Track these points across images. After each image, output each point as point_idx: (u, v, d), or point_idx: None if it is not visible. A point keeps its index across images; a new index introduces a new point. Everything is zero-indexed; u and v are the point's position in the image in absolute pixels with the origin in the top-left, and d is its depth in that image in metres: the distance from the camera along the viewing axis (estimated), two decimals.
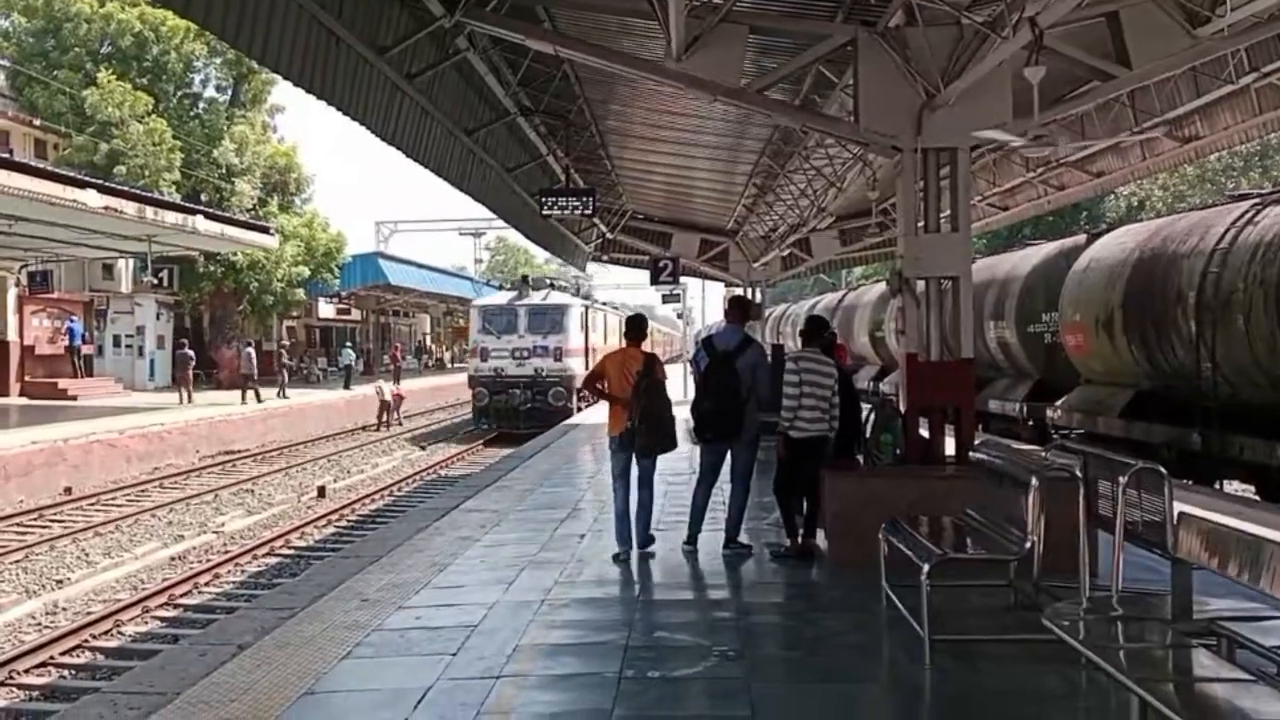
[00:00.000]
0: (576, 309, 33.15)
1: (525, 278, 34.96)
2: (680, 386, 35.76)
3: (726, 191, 24.40)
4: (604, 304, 43.42)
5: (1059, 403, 18.01)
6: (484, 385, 31.80)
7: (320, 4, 9.74)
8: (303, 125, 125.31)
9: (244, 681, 5.83)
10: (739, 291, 30.29)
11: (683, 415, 9.28)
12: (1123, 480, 5.66)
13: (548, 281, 37.31)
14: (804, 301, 51.41)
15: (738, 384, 8.98)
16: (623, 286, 79.39)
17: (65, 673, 9.79)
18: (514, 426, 30.46)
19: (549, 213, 18.15)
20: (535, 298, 33.13)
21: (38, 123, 38.01)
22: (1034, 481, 6.05)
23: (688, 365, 33.29)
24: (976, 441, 9.11)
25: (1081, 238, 20.04)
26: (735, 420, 9.04)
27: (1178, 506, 5.25)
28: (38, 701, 9.02)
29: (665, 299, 39.23)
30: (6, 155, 23.21)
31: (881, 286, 30.41)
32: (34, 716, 8.57)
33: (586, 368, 26.36)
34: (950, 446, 9.73)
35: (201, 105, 43.37)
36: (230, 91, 44.02)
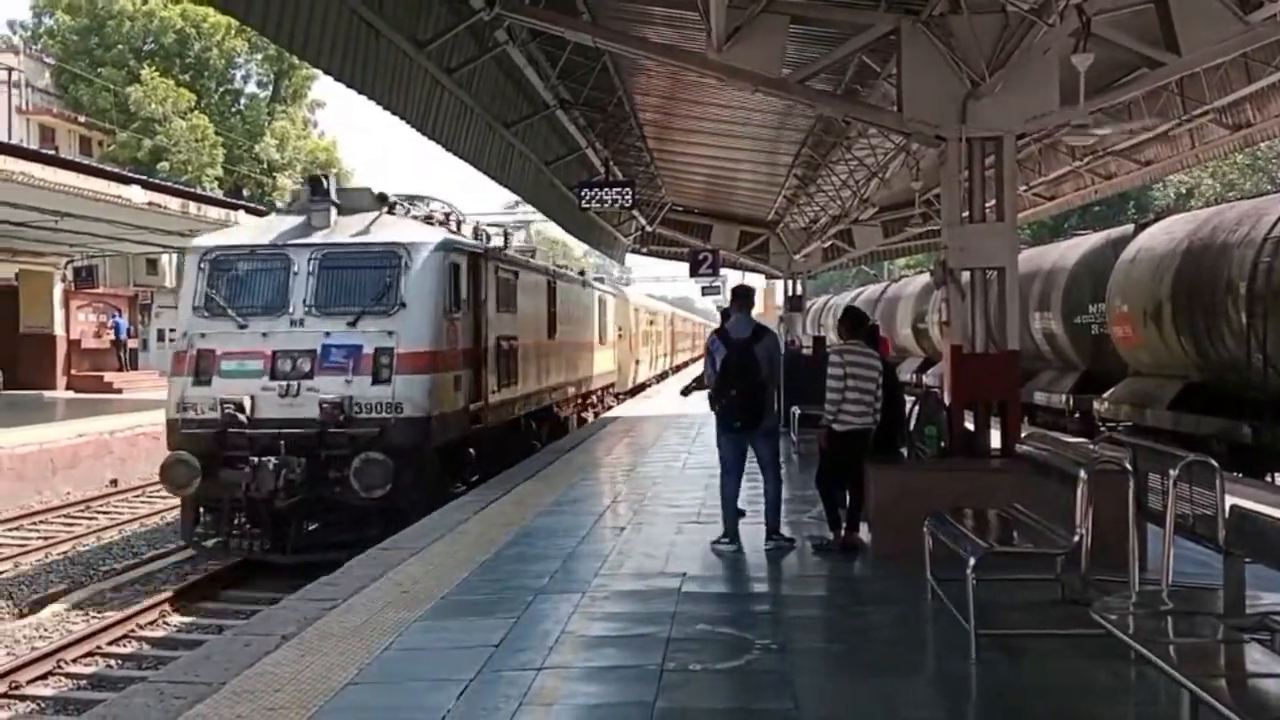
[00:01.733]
0: (451, 260, 13.70)
1: (318, 179, 14.19)
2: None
3: (767, 183, 24.26)
4: (604, 283, 31.83)
5: (1106, 395, 17.76)
6: (196, 447, 12.56)
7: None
8: (345, 119, 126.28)
9: (288, 672, 5.87)
10: (784, 282, 30.21)
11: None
12: (1173, 473, 5.58)
13: (390, 200, 14.46)
14: (846, 293, 51.10)
15: (759, 371, 8.99)
16: (662, 279, 79.25)
17: (112, 662, 9.92)
18: (276, 547, 12.48)
19: (588, 205, 18.12)
20: (344, 225, 13.59)
21: (82, 119, 38.62)
22: (1083, 474, 5.96)
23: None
24: (1023, 434, 9.00)
25: (1129, 227, 19.76)
26: (761, 408, 9.05)
27: (1229, 500, 5.15)
28: (85, 691, 9.14)
29: (705, 291, 39.13)
30: (52, 152, 23.54)
31: (924, 278, 30.15)
32: (81, 705, 8.69)
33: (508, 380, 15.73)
34: (995, 439, 9.61)
35: (243, 101, 43.89)
36: (271, 87, 44.47)
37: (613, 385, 30.55)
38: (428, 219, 14.80)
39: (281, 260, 13.05)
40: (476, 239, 15.89)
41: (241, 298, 13.03)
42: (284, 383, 12.31)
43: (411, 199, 15.69)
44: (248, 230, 15.09)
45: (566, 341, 21.88)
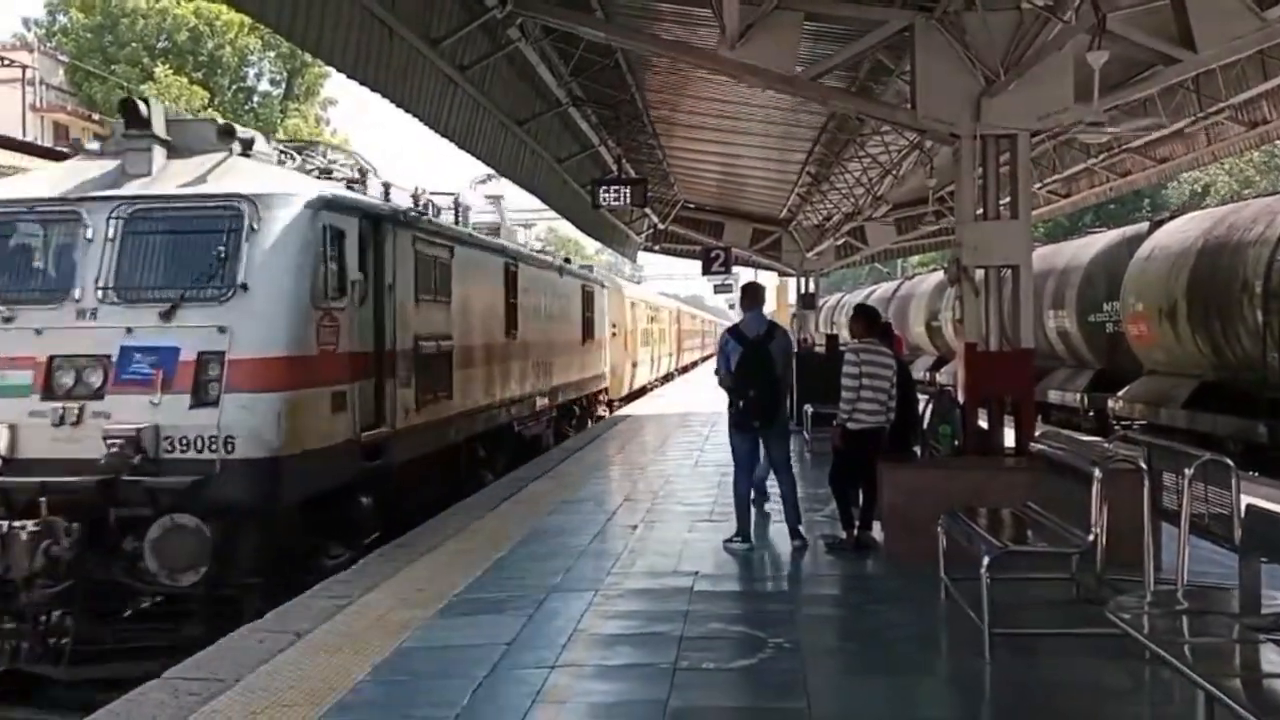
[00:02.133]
0: (328, 223, 9.51)
1: (132, 104, 9.58)
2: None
3: (780, 180, 24.20)
4: (594, 272, 27.94)
5: (1121, 393, 17.69)
6: None
7: None
8: (357, 117, 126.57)
9: (302, 668, 5.89)
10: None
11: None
12: (1188, 472, 5.54)
13: (246, 138, 10.01)
14: (859, 291, 50.98)
15: (775, 369, 8.98)
16: (675, 277, 79.01)
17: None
18: (46, 655, 8.17)
19: (602, 203, 18.11)
20: (174, 172, 9.41)
21: (96, 117, 38.79)
22: (1097, 473, 5.94)
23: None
24: (1037, 433, 8.97)
25: (1144, 225, 19.66)
26: (778, 407, 9.05)
27: (1245, 499, 5.13)
28: (98, 686, 9.15)
29: (717, 289, 39.06)
30: (67, 149, 23.56)
31: (937, 276, 30.06)
32: (95, 701, 8.68)
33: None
34: (1010, 438, 9.58)
35: (256, 99, 44.03)
36: (284, 85, 44.60)
37: (604, 392, 26.98)
38: (324, 173, 11.14)
39: (70, 222, 9.04)
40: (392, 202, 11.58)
41: (7, 277, 9.03)
42: (60, 405, 8.39)
43: (304, 146, 11.97)
44: (38, 181, 9.94)
45: (535, 341, 17.65)
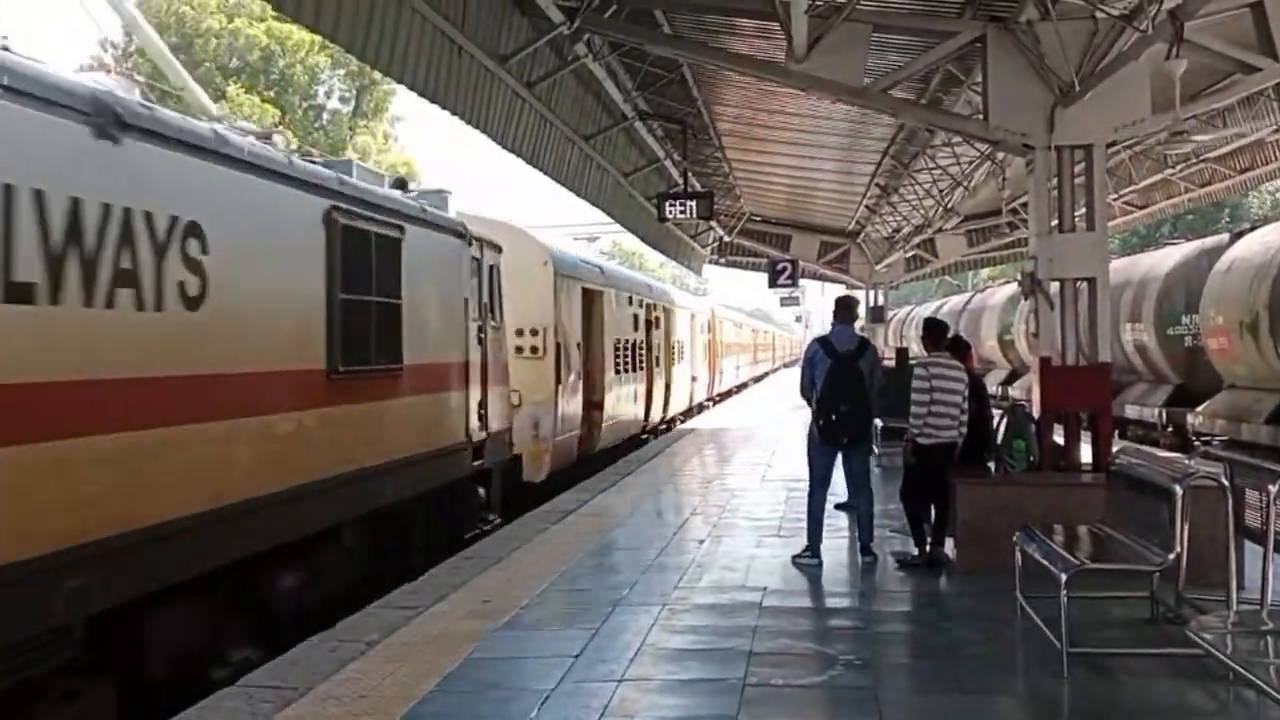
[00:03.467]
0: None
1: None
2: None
3: (848, 192, 24.07)
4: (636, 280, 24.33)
5: (1200, 408, 17.23)
6: None
7: (444, 15, 9.92)
8: (424, 133, 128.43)
9: (373, 678, 5.94)
10: (849, 292, 29.88)
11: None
12: (1272, 489, 5.44)
13: None
14: (928, 304, 50.39)
15: (865, 385, 8.88)
16: (743, 286, 78.61)
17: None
18: None
19: (669, 217, 18.15)
20: None
21: None
22: (1178, 490, 5.80)
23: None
24: (1115, 449, 8.78)
25: (1224, 236, 19.16)
26: (868, 424, 8.94)
27: None
28: (174, 694, 9.33)
29: (784, 302, 38.82)
30: None
31: (1010, 288, 29.61)
32: (170, 709, 8.85)
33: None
34: (1086, 453, 9.39)
35: (325, 116, 44.81)
36: (353, 102, 45.38)
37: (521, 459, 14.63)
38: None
39: None
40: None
41: None
42: None
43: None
44: None
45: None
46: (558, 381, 15.59)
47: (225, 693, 5.79)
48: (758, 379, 55.29)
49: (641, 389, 22.37)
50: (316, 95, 44.77)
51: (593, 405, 18.10)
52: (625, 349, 20.52)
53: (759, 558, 9.24)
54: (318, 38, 34.98)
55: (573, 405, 16.62)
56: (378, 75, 35.21)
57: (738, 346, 44.60)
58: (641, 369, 22.37)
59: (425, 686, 5.78)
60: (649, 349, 23.27)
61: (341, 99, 45.85)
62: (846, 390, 8.81)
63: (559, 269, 16.15)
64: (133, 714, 6.09)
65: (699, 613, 7.41)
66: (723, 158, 21.39)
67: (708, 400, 34.18)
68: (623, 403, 20.45)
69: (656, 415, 24.26)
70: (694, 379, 30.27)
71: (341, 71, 43.97)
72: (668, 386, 25.25)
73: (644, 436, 22.84)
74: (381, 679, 5.91)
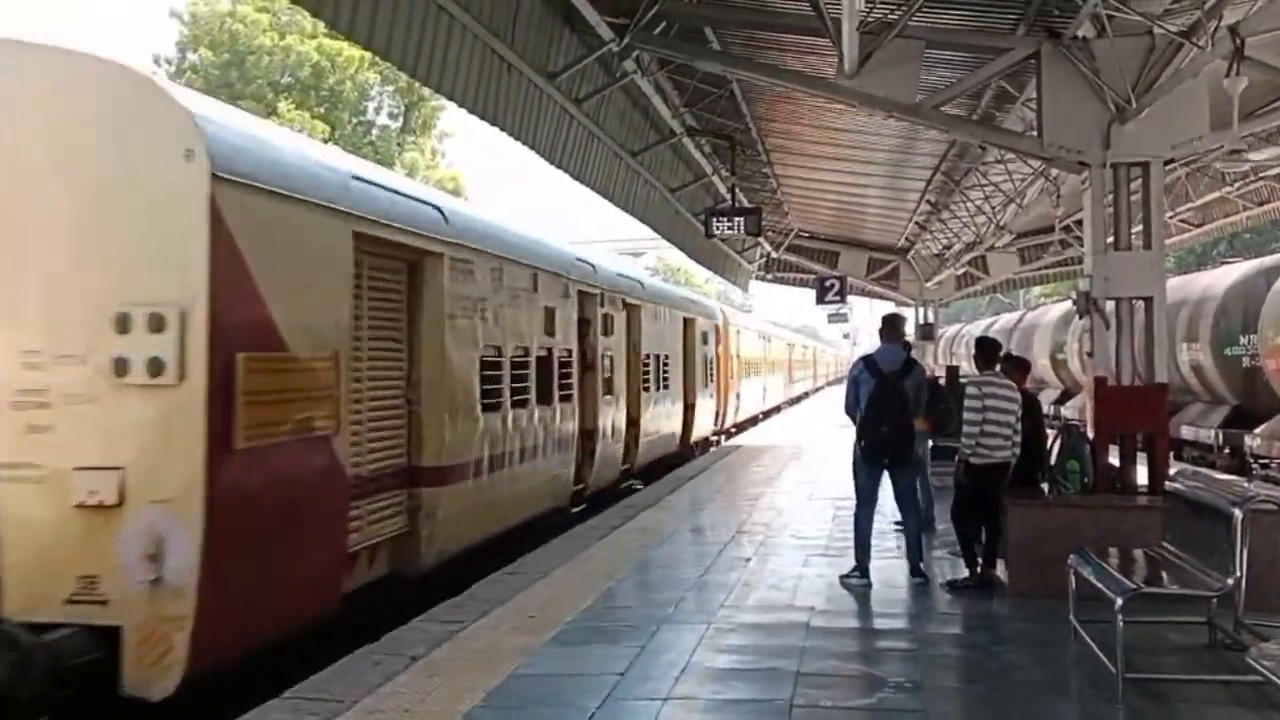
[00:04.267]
0: None
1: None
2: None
3: (897, 208, 23.91)
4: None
5: (1259, 430, 16.87)
6: None
7: (493, 32, 9.98)
8: (471, 147, 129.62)
9: (417, 692, 5.93)
10: (904, 310, 29.64)
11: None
12: None
13: None
14: (979, 321, 49.86)
15: (909, 405, 8.77)
16: (790, 302, 78.23)
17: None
18: None
19: (716, 233, 18.11)
20: None
21: None
22: (1237, 513, 5.68)
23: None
24: (1172, 470, 8.60)
25: None
26: (911, 444, 8.85)
27: None
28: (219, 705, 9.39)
29: (831, 319, 38.50)
30: None
31: (1063, 306, 29.21)
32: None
33: None
34: (1142, 476, 9.20)
35: (375, 132, 45.30)
36: (401, 118, 45.85)
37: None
38: None
39: None
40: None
41: None
42: None
43: None
44: None
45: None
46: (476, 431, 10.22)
47: (271, 705, 5.81)
48: (794, 401, 48.29)
49: (641, 426, 17.63)
50: (366, 111, 45.26)
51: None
52: (623, 387, 16.61)
53: (806, 577, 9.15)
54: (368, 54, 35.51)
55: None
56: (426, 91, 35.61)
57: (769, 364, 38.38)
58: (647, 409, 18.01)
59: (469, 702, 5.76)
60: (668, 372, 19.73)
61: (390, 115, 46.35)
62: (889, 410, 8.72)
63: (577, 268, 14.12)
64: None
65: (745, 632, 7.34)
66: (771, 173, 21.33)
67: (725, 427, 27.45)
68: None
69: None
70: (725, 398, 24.82)
71: (391, 88, 44.44)
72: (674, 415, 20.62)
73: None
74: (426, 694, 5.91)
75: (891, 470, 9.00)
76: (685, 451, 22.02)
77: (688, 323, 21.97)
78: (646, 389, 18.13)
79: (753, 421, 33.25)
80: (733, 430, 28.72)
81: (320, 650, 6.93)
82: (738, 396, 27.86)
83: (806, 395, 55.79)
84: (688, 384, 21.98)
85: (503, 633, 7.23)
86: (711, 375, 24.57)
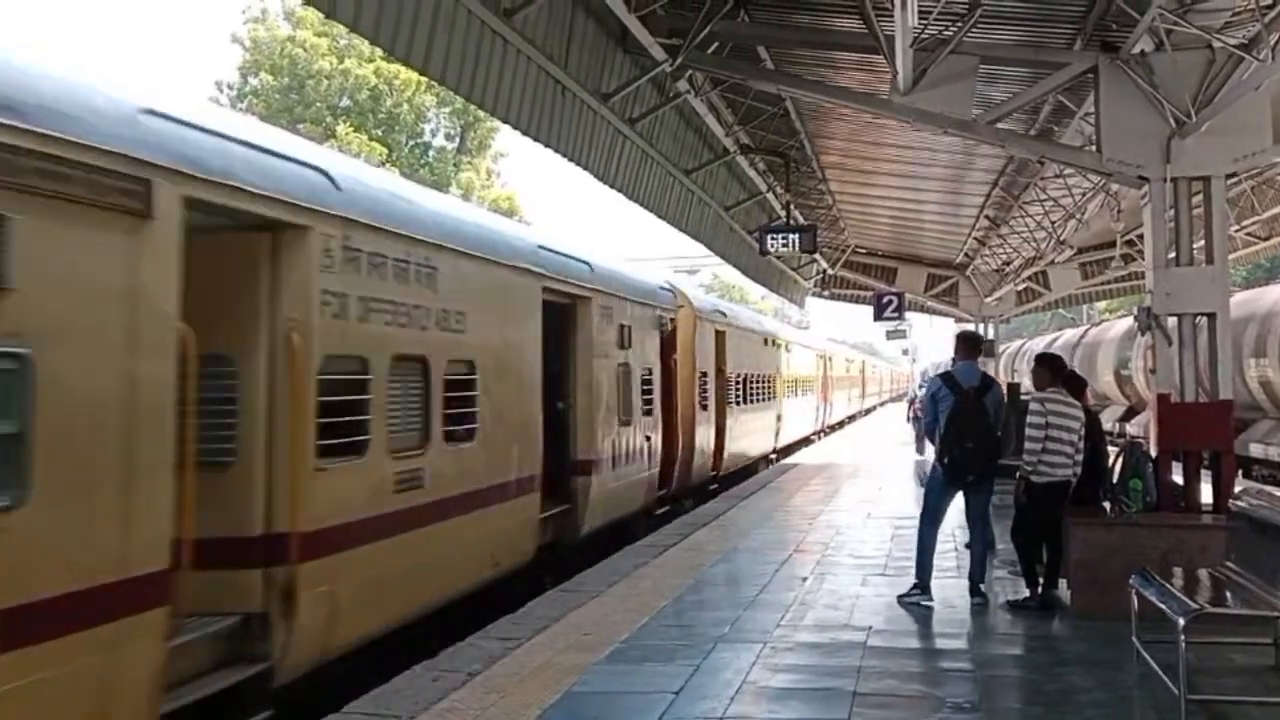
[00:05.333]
0: None
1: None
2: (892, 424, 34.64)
3: (956, 224, 23.70)
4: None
5: None
6: None
7: (547, 55, 10.11)
8: (525, 168, 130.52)
9: (474, 709, 5.99)
10: (969, 327, 29.27)
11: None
12: None
13: None
14: (1041, 338, 49.13)
15: (990, 422, 8.74)
16: (849, 319, 77.50)
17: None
18: None
19: (770, 250, 18.10)
20: None
21: None
22: None
23: (918, 403, 31.12)
24: (1237, 489, 8.43)
25: None
26: (995, 460, 8.77)
27: None
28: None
29: (889, 335, 38.23)
30: None
31: (1126, 321, 28.73)
32: None
33: None
34: (1207, 494, 9.03)
35: (431, 154, 45.86)
36: (458, 140, 46.40)
37: None
38: None
39: None
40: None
41: None
42: None
43: None
44: None
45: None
46: None
47: (330, 719, 5.89)
48: (835, 427, 41.24)
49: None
50: (423, 133, 45.85)
51: None
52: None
53: (863, 597, 9.09)
54: (424, 78, 36.08)
55: None
56: (482, 113, 36.03)
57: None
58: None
59: (526, 718, 5.80)
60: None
61: (447, 136, 46.92)
62: (972, 427, 8.66)
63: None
64: None
65: (802, 651, 7.31)
66: (826, 190, 21.27)
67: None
68: None
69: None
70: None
71: (447, 109, 44.99)
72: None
73: None
74: (482, 710, 5.96)
75: (970, 488, 8.94)
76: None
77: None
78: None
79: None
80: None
81: (377, 668, 7.04)
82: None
83: (854, 418, 51.88)
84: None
85: (559, 650, 7.27)
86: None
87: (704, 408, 18.14)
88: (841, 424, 43.95)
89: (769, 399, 25.29)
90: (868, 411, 58.96)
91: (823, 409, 37.02)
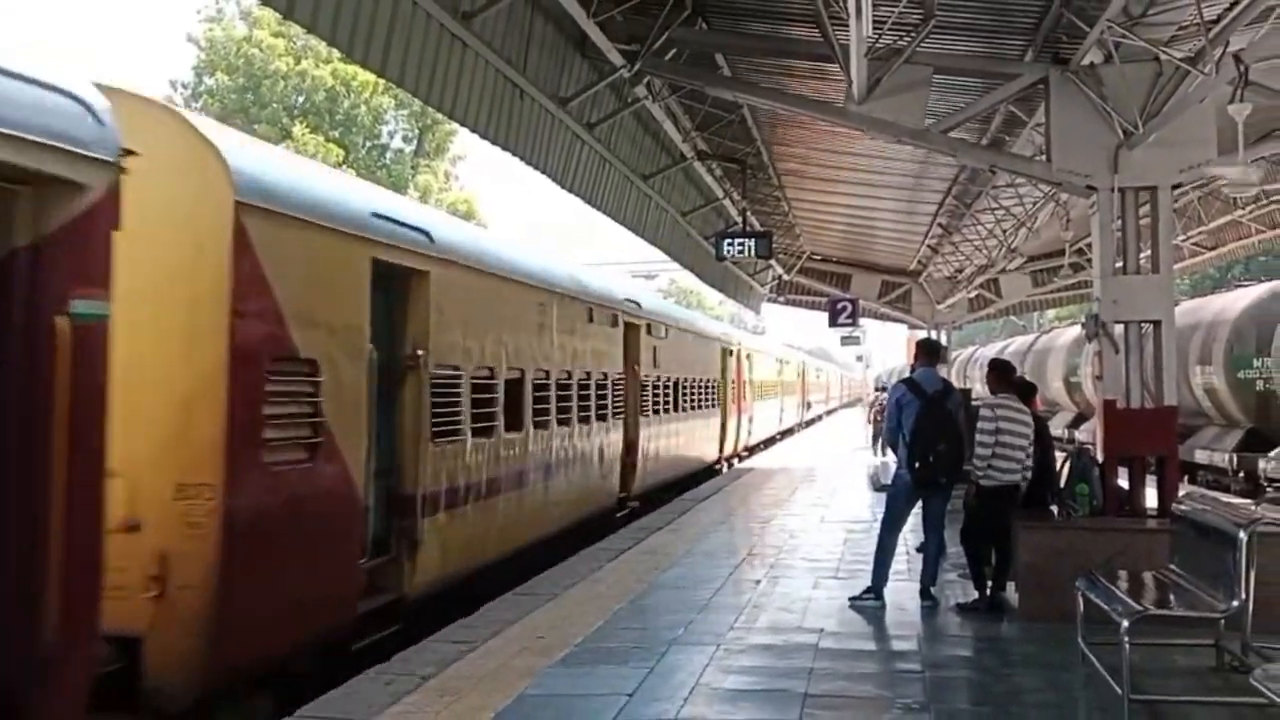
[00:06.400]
0: None
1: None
2: (850, 430, 34.90)
3: (909, 231, 23.96)
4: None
5: (1273, 454, 16.83)
6: None
7: (506, 59, 10.11)
8: (480, 165, 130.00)
9: (428, 712, 5.97)
10: (923, 333, 29.55)
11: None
12: None
13: None
14: (992, 345, 49.75)
15: (957, 425, 8.89)
16: (803, 325, 77.67)
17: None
18: None
19: (727, 255, 18.19)
20: None
21: None
22: (1242, 536, 5.70)
23: (874, 408, 31.20)
24: (1181, 494, 8.61)
25: None
26: (962, 463, 8.85)
27: None
28: None
29: (844, 341, 38.45)
30: None
31: (1076, 329, 29.18)
32: None
33: None
34: (1152, 498, 9.21)
35: (389, 155, 45.61)
36: (415, 142, 46.19)
37: None
38: None
39: None
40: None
41: None
42: None
43: None
44: None
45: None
46: None
47: None
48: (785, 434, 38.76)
49: None
50: (380, 135, 45.59)
51: None
52: None
53: (816, 599, 9.17)
54: (382, 80, 35.90)
55: None
56: (440, 115, 35.89)
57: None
58: None
59: None
60: None
61: (405, 138, 46.70)
62: (941, 430, 8.76)
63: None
64: None
65: (755, 653, 7.36)
66: (782, 196, 21.43)
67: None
68: None
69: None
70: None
71: (405, 112, 44.78)
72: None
73: None
74: (436, 714, 5.95)
75: (941, 492, 9.07)
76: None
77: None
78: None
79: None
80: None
81: (329, 671, 7.00)
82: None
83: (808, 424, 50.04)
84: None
85: (513, 653, 7.27)
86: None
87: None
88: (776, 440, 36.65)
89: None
90: (809, 424, 50.23)
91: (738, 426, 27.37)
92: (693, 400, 21.76)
